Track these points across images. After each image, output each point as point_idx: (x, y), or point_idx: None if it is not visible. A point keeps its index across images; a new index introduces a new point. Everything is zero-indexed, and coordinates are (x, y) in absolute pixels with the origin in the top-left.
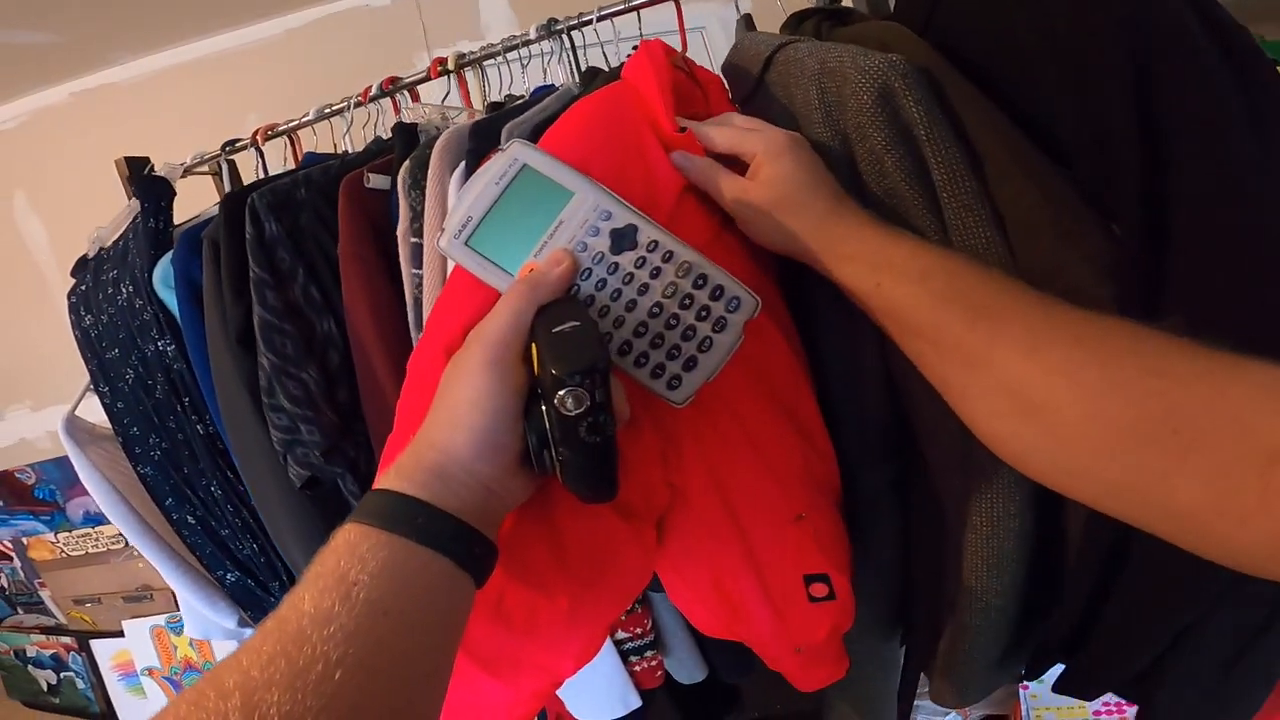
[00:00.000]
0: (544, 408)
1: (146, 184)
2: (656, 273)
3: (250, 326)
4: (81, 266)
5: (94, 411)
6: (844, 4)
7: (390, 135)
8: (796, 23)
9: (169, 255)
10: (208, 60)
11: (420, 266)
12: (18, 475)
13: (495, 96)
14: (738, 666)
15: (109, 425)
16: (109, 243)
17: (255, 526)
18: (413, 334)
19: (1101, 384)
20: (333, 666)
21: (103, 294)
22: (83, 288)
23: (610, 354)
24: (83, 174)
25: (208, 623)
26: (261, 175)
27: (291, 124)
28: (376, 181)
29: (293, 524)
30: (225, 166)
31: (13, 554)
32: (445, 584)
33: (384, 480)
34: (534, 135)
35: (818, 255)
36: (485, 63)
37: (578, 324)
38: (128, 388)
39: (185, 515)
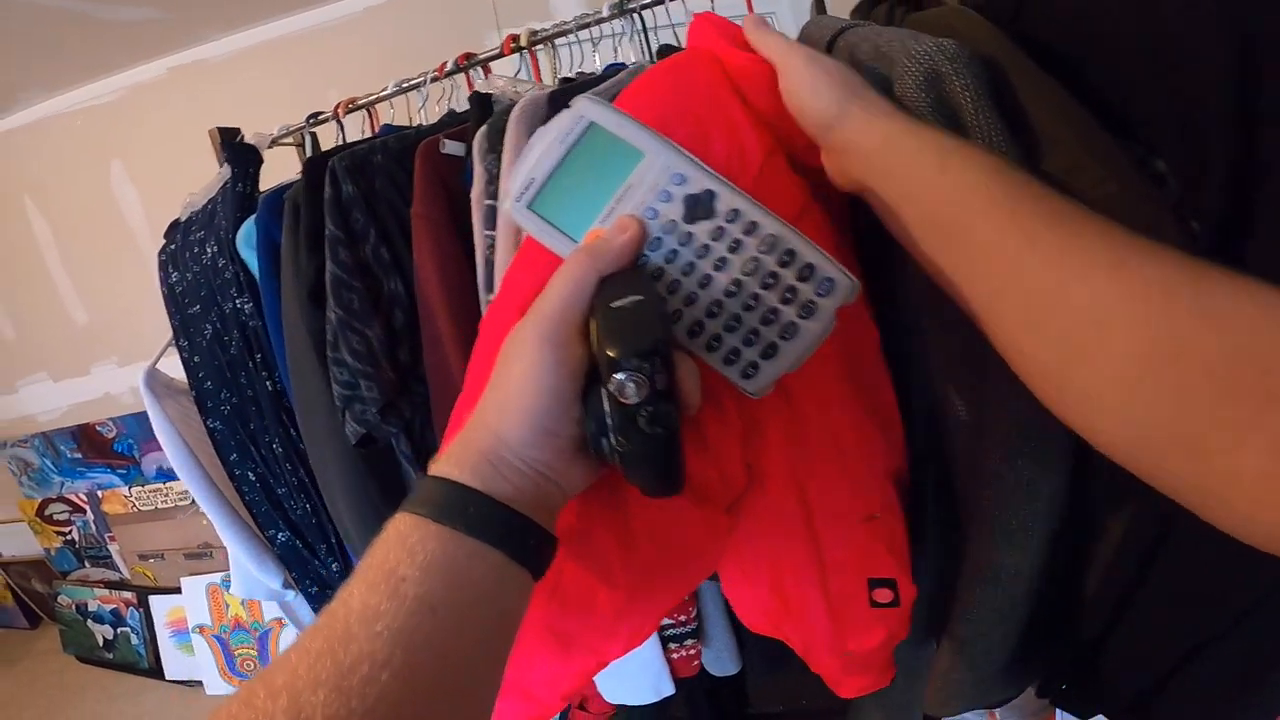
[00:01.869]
0: (604, 399)
1: (236, 151)
2: (736, 246)
3: (322, 283)
4: (173, 230)
5: (174, 369)
6: None
7: (452, 112)
8: (869, 7)
9: (253, 217)
10: (293, 37)
11: (493, 229)
12: (99, 429)
13: (566, 74)
14: (773, 663)
15: (186, 381)
16: (197, 207)
17: (310, 486)
18: (482, 295)
19: (1191, 309)
20: (379, 667)
21: (189, 253)
22: (172, 247)
23: (677, 335)
24: (176, 144)
25: (254, 582)
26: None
27: (370, 98)
28: (451, 147)
29: (344, 482)
30: (308, 138)
31: (86, 507)
32: (497, 578)
33: (438, 464)
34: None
35: (875, 126)
36: (557, 40)
37: (639, 299)
38: (205, 343)
39: (246, 471)
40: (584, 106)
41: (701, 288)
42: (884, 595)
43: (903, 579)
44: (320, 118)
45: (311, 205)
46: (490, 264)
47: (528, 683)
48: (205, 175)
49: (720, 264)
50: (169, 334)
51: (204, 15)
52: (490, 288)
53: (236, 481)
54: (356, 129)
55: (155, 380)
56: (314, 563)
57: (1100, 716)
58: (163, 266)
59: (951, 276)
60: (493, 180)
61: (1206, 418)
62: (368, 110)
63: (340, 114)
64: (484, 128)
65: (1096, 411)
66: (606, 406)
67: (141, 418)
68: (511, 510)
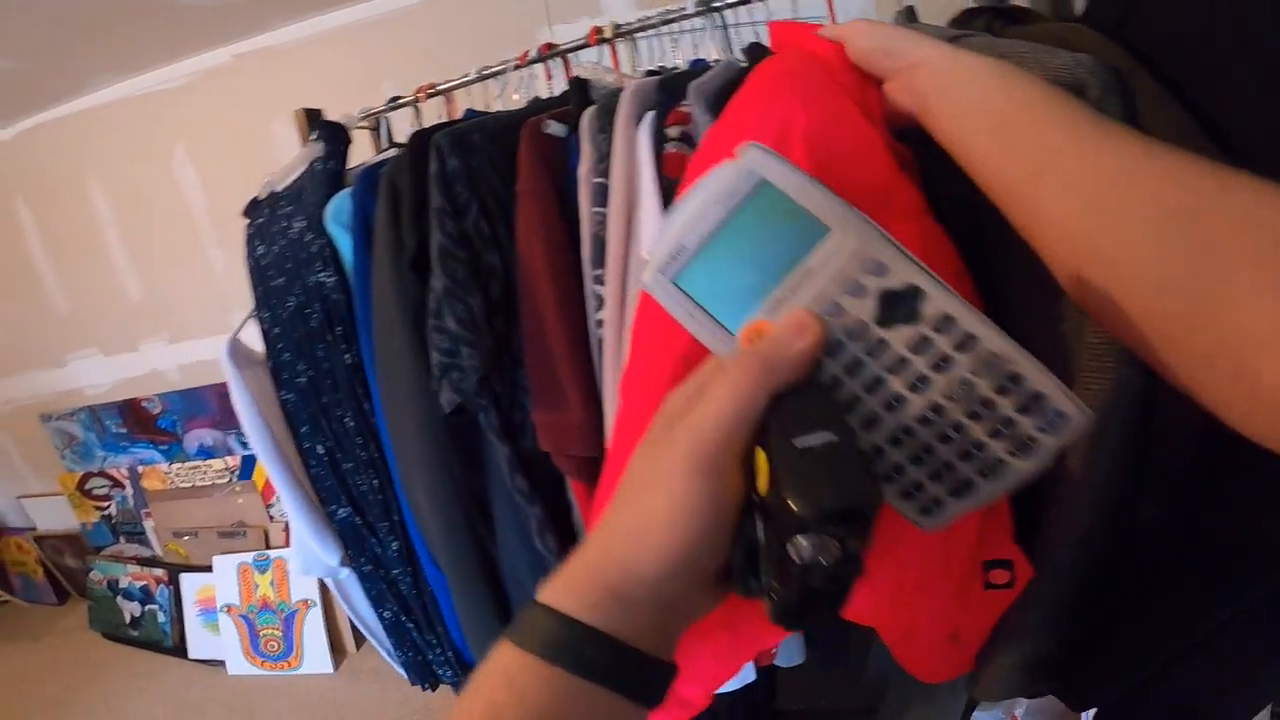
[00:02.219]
0: (761, 535)
1: (329, 129)
2: (943, 363)
3: (424, 253)
4: (253, 207)
5: (251, 341)
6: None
7: (541, 97)
8: (966, 19)
9: (342, 193)
10: (353, 27)
11: (602, 205)
12: (144, 404)
13: (646, 67)
14: (837, 655)
15: (264, 352)
16: (280, 185)
17: (379, 462)
18: (588, 271)
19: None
20: None
21: (276, 227)
22: (260, 220)
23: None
24: (239, 130)
25: (313, 558)
26: None
27: (450, 84)
28: (554, 128)
29: (423, 451)
30: (384, 122)
31: (126, 482)
32: (609, 713)
33: (552, 590)
34: (719, 100)
35: (947, 55)
36: (637, 35)
37: (833, 440)
38: (286, 315)
39: (315, 445)
40: (755, 158)
41: (888, 409)
42: (1000, 576)
43: (1019, 559)
44: (399, 101)
45: (415, 177)
46: (599, 240)
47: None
48: (265, 160)
49: (918, 384)
50: (221, 315)
51: (270, 2)
52: (597, 263)
53: (304, 455)
54: (434, 114)
55: (237, 350)
56: (371, 540)
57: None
58: (249, 240)
59: (1014, 176)
60: (603, 158)
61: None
62: (445, 96)
63: (422, 98)
64: (593, 108)
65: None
66: (767, 552)
67: (187, 395)
68: (633, 650)
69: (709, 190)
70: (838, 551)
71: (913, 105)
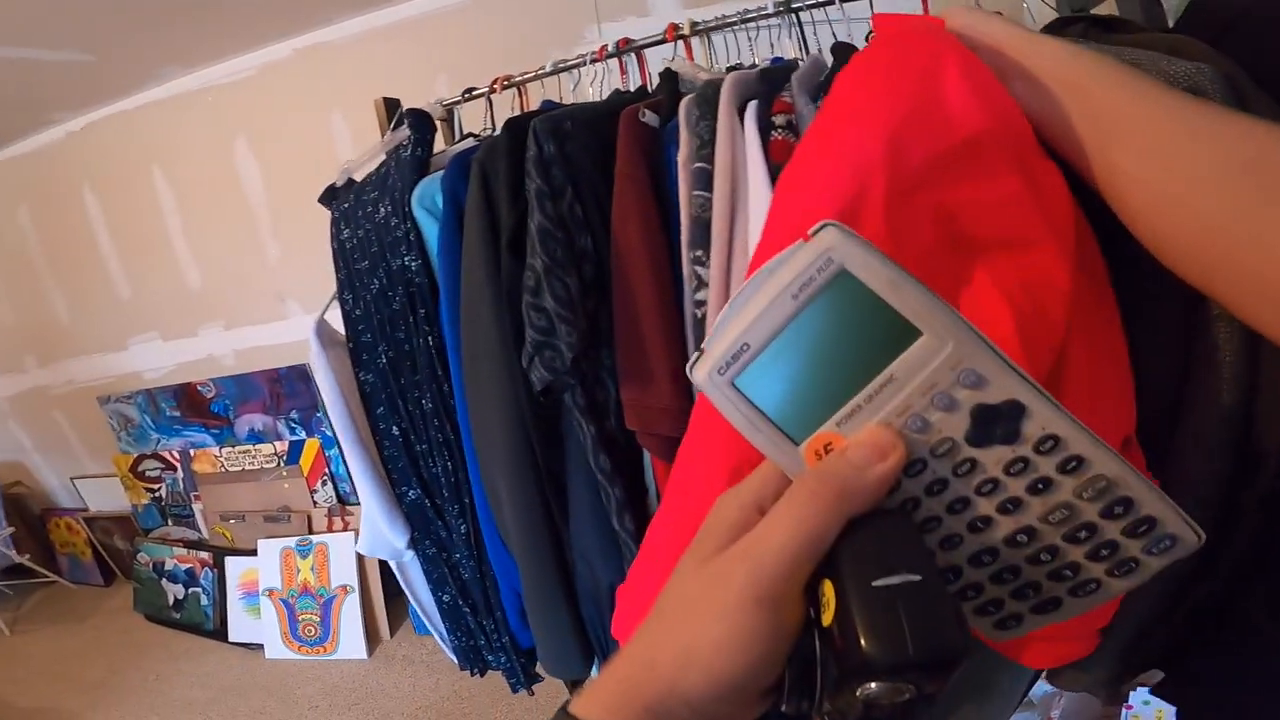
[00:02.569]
0: (820, 661)
1: (417, 118)
2: (1043, 486)
3: (521, 234)
4: (330, 194)
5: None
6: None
7: (617, 91)
8: (1059, 27)
9: (428, 179)
10: (406, 23)
11: (703, 189)
12: (199, 389)
13: (723, 64)
14: None
15: (344, 333)
16: (358, 170)
17: (453, 444)
18: (685, 253)
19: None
20: None
21: (362, 212)
22: (345, 206)
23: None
24: (298, 123)
25: (380, 539)
26: (490, 123)
27: (525, 76)
28: (649, 117)
29: (504, 430)
30: (456, 113)
31: (178, 465)
32: None
33: (585, 703)
34: (821, 92)
35: (1076, 53)
36: (713, 32)
37: (915, 580)
38: (370, 297)
39: (391, 426)
40: (833, 240)
41: (971, 531)
42: None
43: None
44: (474, 92)
45: (513, 161)
46: (700, 222)
47: None
48: (323, 153)
49: (1010, 506)
50: (279, 301)
51: None
52: (696, 245)
53: (379, 435)
54: (506, 106)
55: (323, 330)
56: (438, 524)
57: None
58: (334, 224)
59: (1089, 137)
60: (704, 145)
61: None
62: (519, 88)
63: (497, 90)
64: (692, 97)
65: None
66: (826, 678)
67: (240, 380)
68: None
69: (779, 278)
70: (911, 695)
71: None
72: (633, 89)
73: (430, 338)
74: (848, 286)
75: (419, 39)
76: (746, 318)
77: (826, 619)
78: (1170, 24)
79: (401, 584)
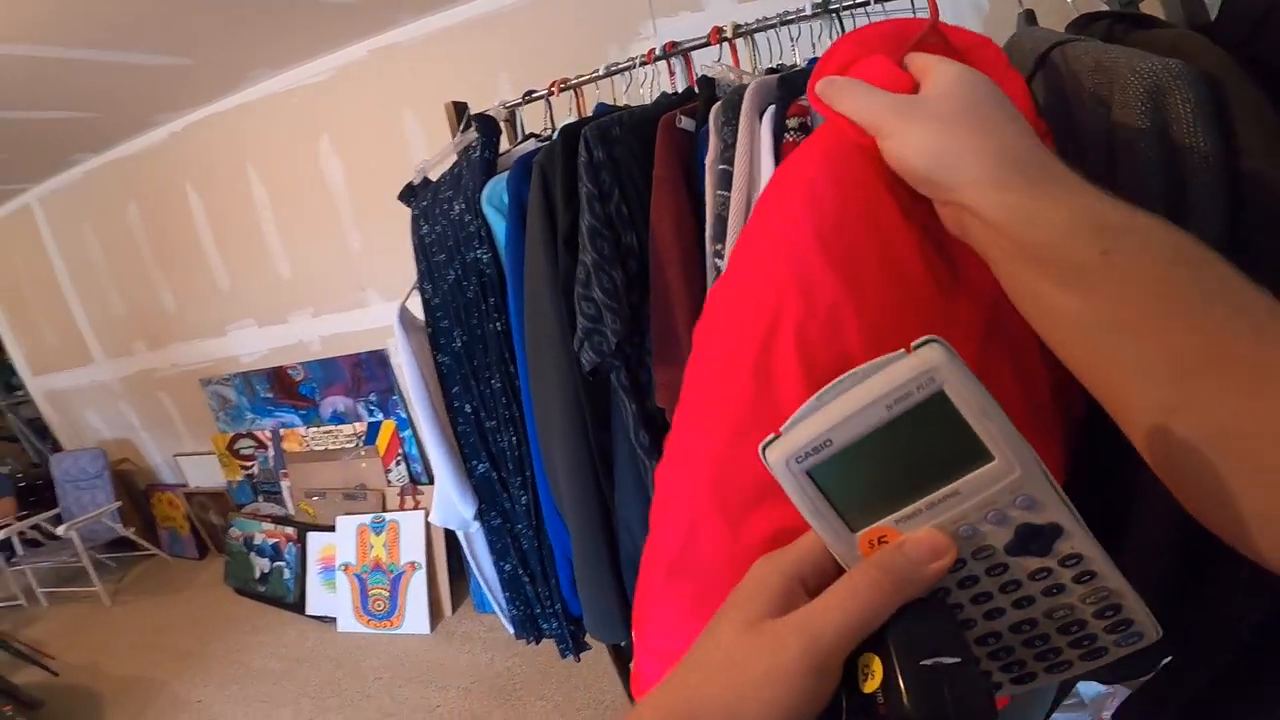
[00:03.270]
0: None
1: (484, 122)
2: (1056, 590)
3: (575, 231)
4: (409, 192)
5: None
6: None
7: (671, 92)
8: (1086, 23)
9: (495, 179)
10: (471, 23)
11: (725, 189)
12: (289, 372)
13: (766, 65)
14: None
15: (423, 319)
16: (432, 170)
17: (518, 421)
18: (709, 247)
19: None
20: None
21: (439, 209)
22: (424, 203)
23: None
24: (374, 121)
25: (450, 509)
26: (550, 123)
27: (581, 79)
28: (685, 123)
29: (562, 405)
30: (517, 114)
31: (269, 444)
32: None
33: None
34: None
35: (1003, 187)
36: (756, 33)
37: (957, 662)
38: (446, 287)
39: (464, 404)
40: (938, 360)
41: (986, 619)
42: None
43: None
44: (533, 95)
45: (566, 166)
46: (721, 220)
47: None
48: (398, 149)
49: (1024, 602)
50: (360, 289)
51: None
52: (718, 239)
53: (453, 413)
54: (563, 107)
55: (405, 317)
56: (502, 496)
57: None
58: (415, 220)
59: (1109, 381)
60: (728, 148)
61: None
62: (575, 90)
63: (555, 92)
64: (720, 103)
65: (1277, 537)
66: None
67: (325, 364)
68: None
69: (875, 385)
70: None
71: (969, 241)
72: (680, 90)
73: (499, 323)
74: (939, 404)
75: (481, 38)
76: (834, 415)
77: (869, 687)
78: (1213, 18)
79: (467, 554)
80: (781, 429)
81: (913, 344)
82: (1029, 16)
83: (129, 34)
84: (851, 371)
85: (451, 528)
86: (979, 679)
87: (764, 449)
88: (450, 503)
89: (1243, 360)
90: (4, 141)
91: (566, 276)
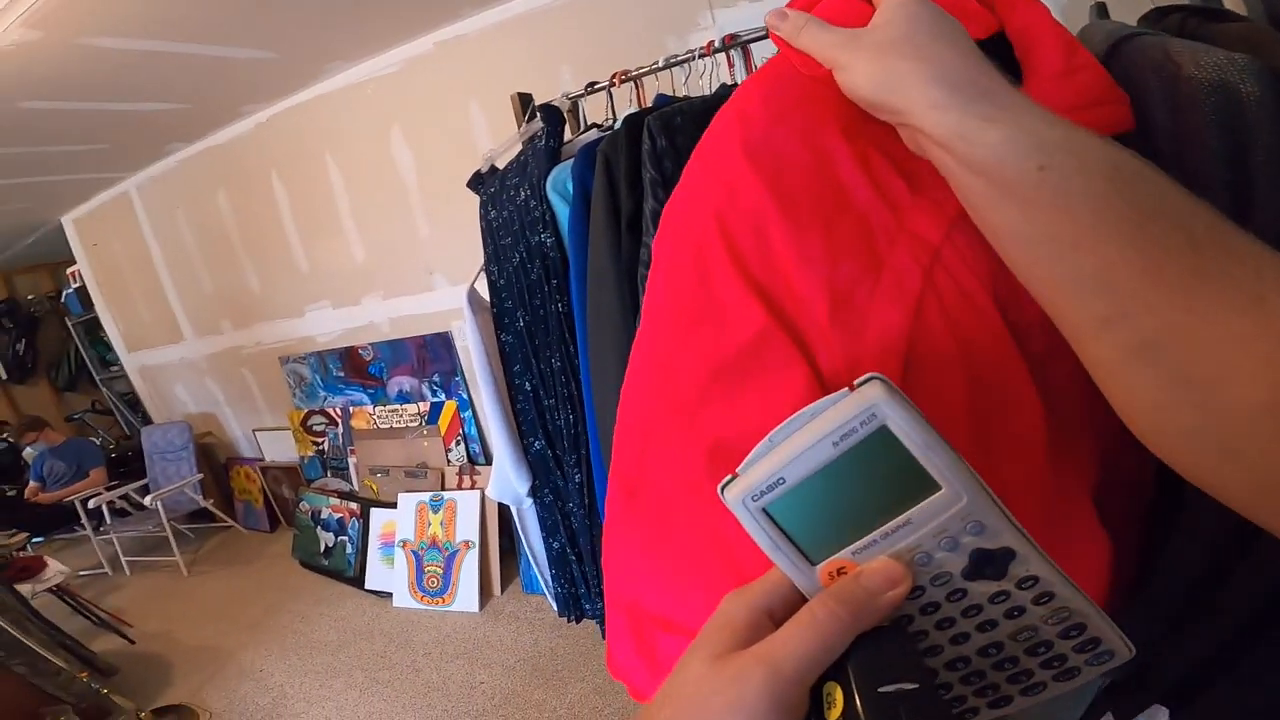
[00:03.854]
0: None
1: (549, 112)
2: (1016, 613)
3: (639, 216)
4: (477, 179)
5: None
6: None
7: (724, 85)
8: (1158, 17)
9: (559, 166)
10: (532, 14)
11: None
12: (360, 352)
13: None
14: None
15: (489, 300)
16: (499, 159)
17: (576, 399)
18: None
19: None
20: None
21: (505, 195)
22: (492, 190)
23: None
24: (440, 111)
25: (506, 485)
26: (611, 113)
27: (642, 70)
28: None
29: (620, 384)
30: (580, 104)
31: (339, 421)
32: None
33: None
34: None
35: (941, 108)
36: None
37: (915, 689)
38: (512, 269)
39: (524, 382)
40: (878, 397)
41: (952, 644)
42: None
43: None
44: (595, 86)
45: (631, 153)
46: None
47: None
48: (464, 139)
49: (987, 626)
50: (428, 273)
51: None
52: None
53: (514, 391)
54: (624, 98)
55: (474, 297)
56: (556, 473)
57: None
58: (483, 205)
59: (1051, 295)
60: None
61: None
62: (635, 81)
63: (616, 83)
64: None
65: (1203, 453)
66: None
67: (394, 345)
68: None
69: (820, 427)
70: None
71: (930, 160)
72: (738, 81)
73: (560, 304)
74: (884, 439)
75: (543, 30)
76: (784, 455)
77: (832, 716)
78: None
79: (519, 530)
80: (738, 470)
81: (855, 381)
82: (1100, 9)
83: (220, 29)
84: (800, 411)
85: (506, 503)
86: (939, 703)
87: (722, 489)
88: (507, 478)
89: (1175, 273)
90: (109, 131)
91: (629, 259)
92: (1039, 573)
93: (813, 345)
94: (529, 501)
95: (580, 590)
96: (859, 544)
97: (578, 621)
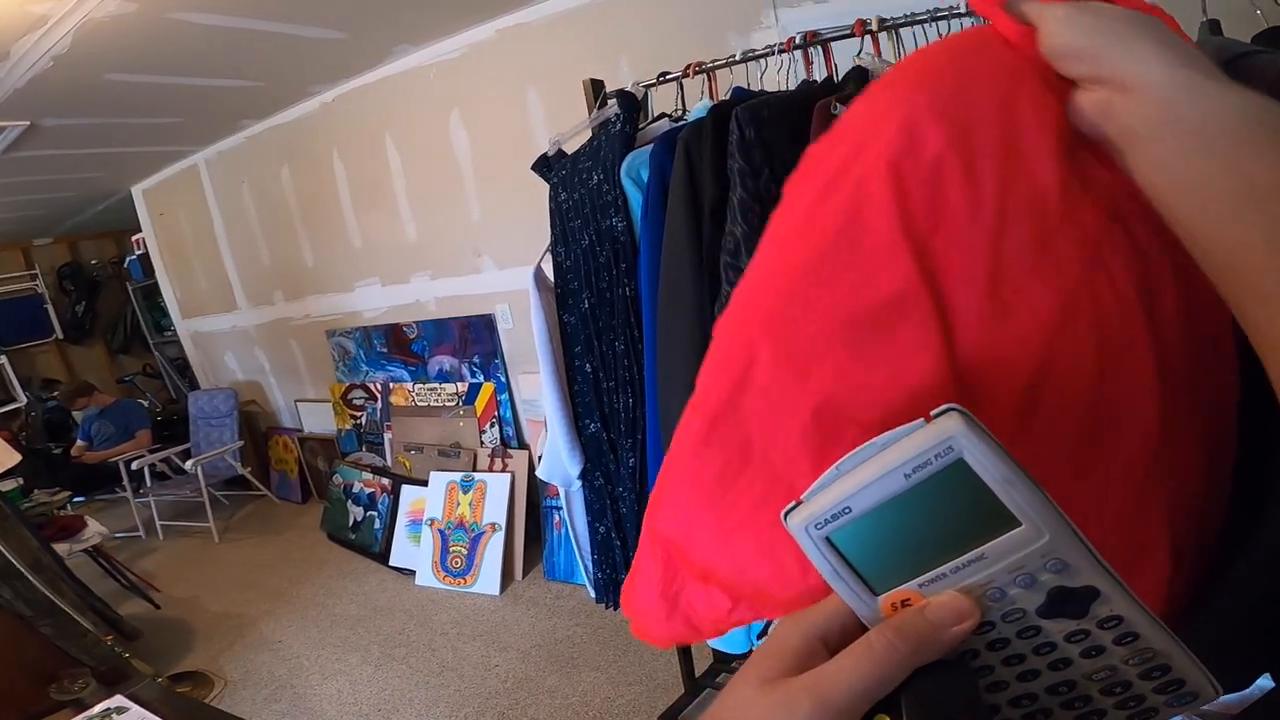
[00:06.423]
0: None
1: (625, 98)
2: (1095, 652)
3: (722, 205)
4: (543, 163)
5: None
6: None
7: (805, 81)
8: (1272, 37)
9: (635, 153)
10: (594, 6)
11: None
12: (405, 329)
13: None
14: None
15: (552, 280)
16: (566, 143)
17: (637, 383)
18: None
19: None
20: None
21: (577, 178)
22: (563, 172)
23: None
24: (499, 97)
25: (557, 465)
26: (681, 104)
27: (716, 63)
28: (838, 110)
29: (690, 370)
30: (650, 94)
31: (379, 395)
32: None
33: None
34: None
35: (1164, 62)
36: (902, 28)
37: None
38: (580, 251)
39: (584, 364)
40: (956, 430)
41: (1019, 680)
42: None
43: None
44: (668, 76)
45: (717, 143)
46: None
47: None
48: (520, 125)
49: (1060, 664)
50: (479, 256)
51: None
52: None
53: (573, 372)
54: (695, 90)
55: (540, 276)
56: (609, 457)
57: None
58: (554, 188)
59: (1258, 258)
60: None
61: None
62: (708, 73)
63: (690, 74)
64: None
65: None
66: None
67: (438, 324)
68: None
69: (892, 457)
70: None
71: (1107, 133)
72: (818, 79)
73: (628, 288)
74: (960, 472)
75: (603, 22)
76: (853, 484)
77: None
78: None
79: (565, 513)
80: (802, 496)
81: (932, 412)
82: (1213, 26)
83: (298, 5)
84: (872, 440)
85: (555, 484)
86: None
87: (785, 515)
88: (559, 459)
89: None
90: (184, 106)
91: (710, 246)
92: (1124, 613)
93: (955, 315)
94: (578, 484)
95: (620, 576)
96: (926, 576)
97: (615, 608)
